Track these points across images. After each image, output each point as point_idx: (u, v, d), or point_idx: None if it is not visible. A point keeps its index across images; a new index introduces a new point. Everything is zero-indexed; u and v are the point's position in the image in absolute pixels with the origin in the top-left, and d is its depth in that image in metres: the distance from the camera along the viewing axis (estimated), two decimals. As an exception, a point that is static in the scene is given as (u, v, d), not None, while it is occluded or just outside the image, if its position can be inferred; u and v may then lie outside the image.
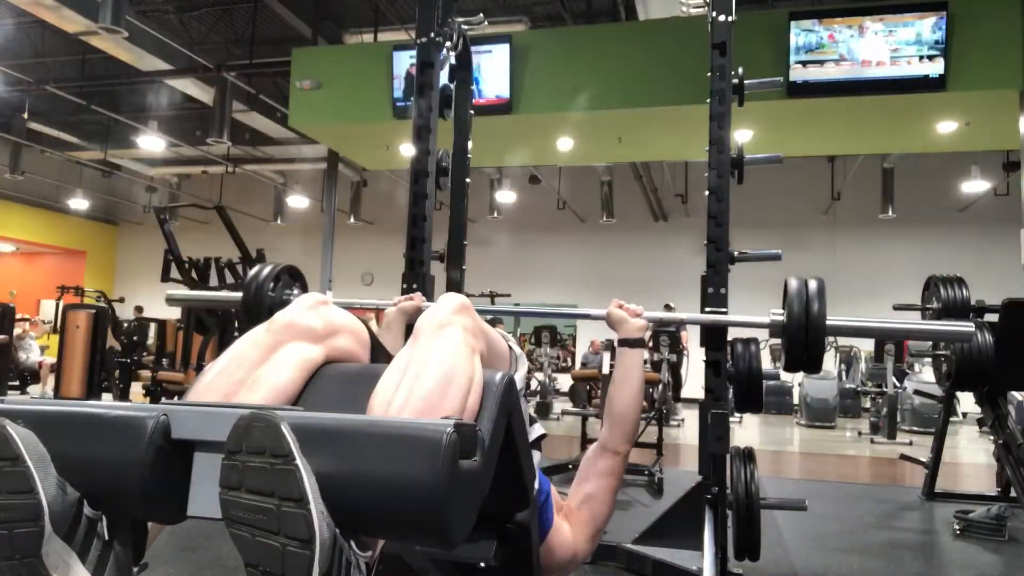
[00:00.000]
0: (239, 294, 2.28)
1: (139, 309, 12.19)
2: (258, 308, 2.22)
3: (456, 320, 1.19)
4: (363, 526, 0.85)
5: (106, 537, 0.88)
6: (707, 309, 2.32)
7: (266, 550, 0.78)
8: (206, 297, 2.52)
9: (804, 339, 1.99)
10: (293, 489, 0.78)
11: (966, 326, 1.97)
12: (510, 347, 1.47)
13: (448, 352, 1.13)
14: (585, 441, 5.28)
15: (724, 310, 2.32)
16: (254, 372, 1.19)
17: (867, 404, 9.56)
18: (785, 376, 11.32)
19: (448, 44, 2.69)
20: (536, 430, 1.53)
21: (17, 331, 8.47)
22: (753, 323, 2.10)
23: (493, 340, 1.35)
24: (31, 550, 0.80)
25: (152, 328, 8.10)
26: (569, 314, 2.23)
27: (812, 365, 2.03)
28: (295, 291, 2.32)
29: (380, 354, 1.46)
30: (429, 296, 2.51)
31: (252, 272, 2.28)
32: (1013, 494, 3.71)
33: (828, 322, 1.98)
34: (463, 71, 2.95)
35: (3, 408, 0.91)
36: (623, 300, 2.03)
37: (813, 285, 2.01)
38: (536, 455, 1.50)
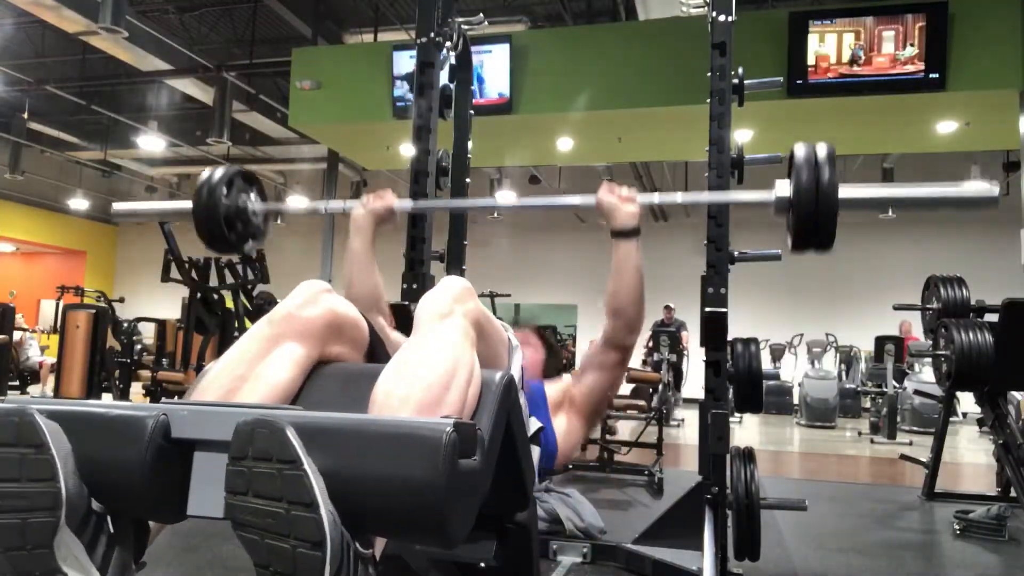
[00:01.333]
0: (189, 203, 2.00)
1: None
2: (210, 215, 1.95)
3: (457, 309, 1.19)
4: (363, 525, 0.85)
5: (112, 533, 0.88)
6: (707, 309, 2.32)
7: (277, 552, 0.78)
8: (156, 209, 2.31)
9: (814, 212, 1.72)
10: (303, 494, 0.78)
11: (989, 189, 1.73)
12: (509, 338, 1.47)
13: (449, 345, 1.12)
14: (586, 441, 5.28)
15: (723, 309, 2.32)
16: (255, 367, 1.19)
17: (867, 404, 9.55)
18: (785, 376, 11.32)
19: (448, 44, 2.69)
20: (533, 423, 1.54)
21: (16, 337, 8.47)
22: (756, 201, 1.88)
23: (492, 326, 1.35)
24: (44, 541, 0.80)
25: (152, 328, 8.11)
26: (552, 205, 2.07)
27: (823, 243, 1.78)
28: (252, 197, 2.07)
29: (380, 347, 1.46)
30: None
31: (202, 177, 1.99)
32: (1013, 494, 3.71)
33: (841, 193, 1.73)
34: (463, 71, 2.95)
35: (2, 407, 0.91)
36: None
37: (823, 151, 1.75)
38: (535, 450, 1.50)
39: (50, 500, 0.81)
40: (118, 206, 2.30)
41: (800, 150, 1.75)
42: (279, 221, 15.60)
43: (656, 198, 1.93)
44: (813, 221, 1.73)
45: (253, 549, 0.80)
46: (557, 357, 2.10)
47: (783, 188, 1.77)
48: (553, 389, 1.92)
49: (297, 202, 15.05)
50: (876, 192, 1.90)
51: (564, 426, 1.85)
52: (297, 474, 0.78)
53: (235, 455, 0.81)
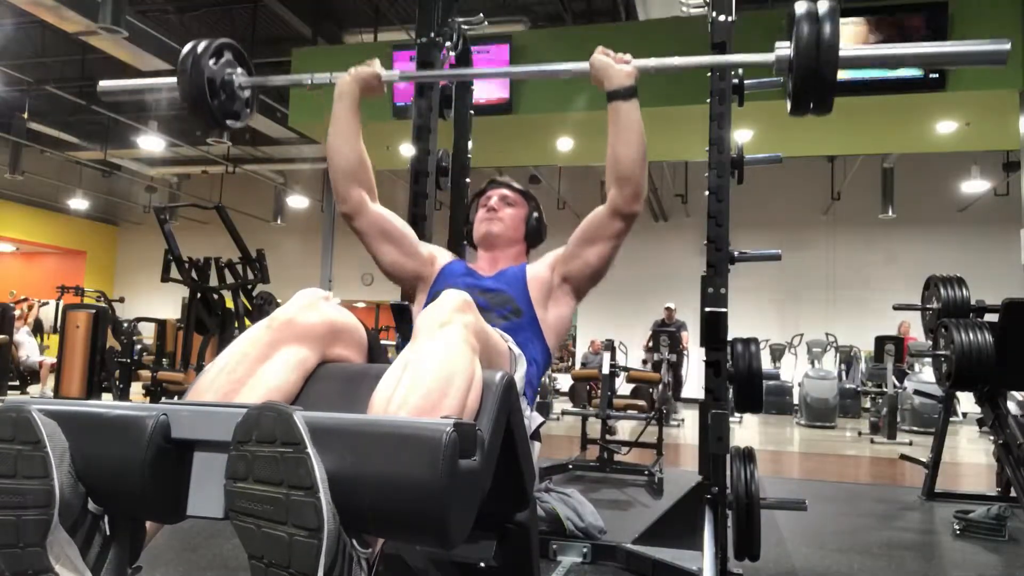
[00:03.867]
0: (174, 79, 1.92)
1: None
2: (195, 87, 1.89)
3: (457, 318, 1.19)
4: (363, 524, 0.85)
5: (107, 534, 0.88)
6: (707, 309, 2.32)
7: (272, 541, 0.78)
8: (140, 85, 2.23)
9: (815, 69, 1.63)
10: (304, 477, 0.78)
11: (999, 45, 1.62)
12: (509, 347, 1.47)
13: (448, 351, 1.13)
14: (585, 441, 5.28)
15: (723, 309, 2.32)
16: (254, 371, 1.20)
17: (867, 404, 9.55)
18: (785, 376, 11.32)
19: (448, 44, 2.69)
20: (535, 419, 1.54)
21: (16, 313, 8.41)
22: (756, 62, 1.81)
23: (493, 339, 1.35)
24: (37, 538, 0.80)
25: (151, 327, 8.10)
26: (544, 71, 1.98)
27: (821, 100, 1.71)
28: (238, 71, 2.00)
29: (378, 354, 1.47)
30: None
31: (186, 48, 1.91)
32: (1013, 494, 3.71)
33: (842, 52, 1.64)
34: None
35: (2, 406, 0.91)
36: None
37: (824, 6, 1.65)
38: (535, 446, 1.51)
39: (44, 498, 0.81)
40: (105, 84, 2.19)
41: (801, 6, 1.67)
42: (279, 220, 15.61)
43: (652, 63, 1.84)
44: (813, 80, 1.65)
45: (248, 539, 0.79)
46: (540, 220, 2.06)
47: (783, 47, 1.71)
48: (538, 272, 1.87)
49: (298, 202, 15.02)
50: (879, 51, 1.83)
51: (555, 316, 1.84)
52: (300, 456, 0.78)
53: (239, 439, 0.81)
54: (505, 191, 2.03)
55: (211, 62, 1.92)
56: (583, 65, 1.83)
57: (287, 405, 0.82)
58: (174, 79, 1.97)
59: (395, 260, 1.96)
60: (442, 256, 2.01)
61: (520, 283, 1.85)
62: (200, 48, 1.91)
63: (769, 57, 1.74)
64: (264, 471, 0.79)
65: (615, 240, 1.84)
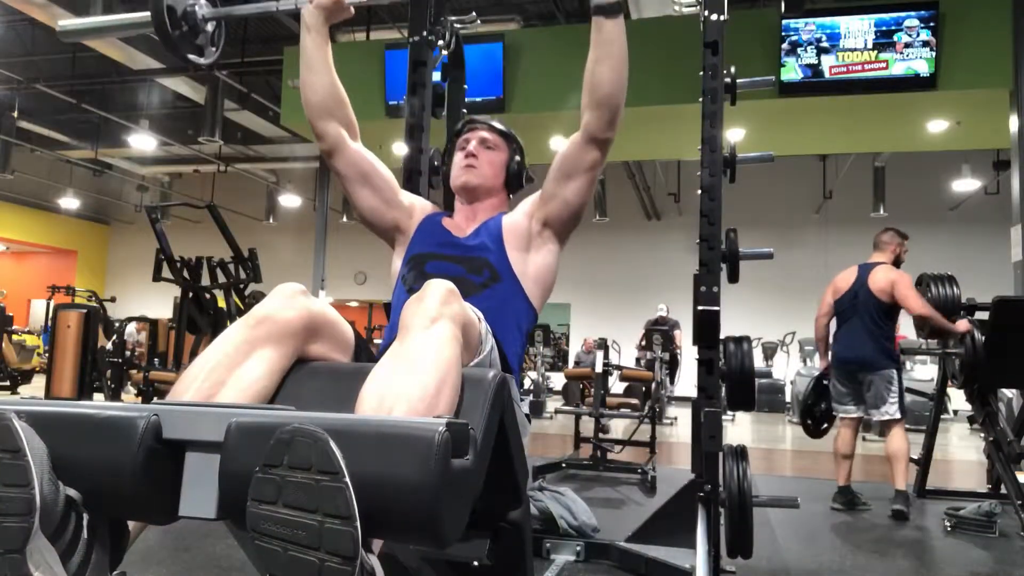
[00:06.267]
0: (147, 13, 1.82)
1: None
2: (160, 12, 1.79)
3: (445, 312, 1.19)
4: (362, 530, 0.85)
5: (84, 538, 0.87)
6: (699, 307, 2.32)
7: (299, 565, 0.77)
8: (110, 22, 2.11)
9: None
10: (342, 507, 0.77)
11: None
12: (479, 319, 1.45)
13: (440, 351, 1.13)
14: (578, 439, 5.29)
15: (716, 308, 2.32)
16: (233, 371, 1.19)
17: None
18: (777, 374, 11.36)
19: (441, 43, 2.68)
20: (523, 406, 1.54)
21: None
22: None
23: (472, 326, 1.35)
24: (17, 545, 0.80)
25: (134, 326, 8.06)
26: None
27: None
28: (202, 1, 1.90)
29: (364, 353, 1.46)
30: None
31: None
32: (1003, 491, 3.74)
33: None
34: (456, 70, 2.94)
35: (-7, 408, 0.90)
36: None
37: None
38: (526, 429, 1.50)
39: (24, 506, 0.80)
40: (64, 24, 2.03)
41: None
42: (271, 220, 15.56)
43: None
44: None
45: (271, 560, 0.78)
46: (521, 163, 1.96)
47: None
48: (515, 223, 1.80)
49: (291, 201, 14.95)
50: None
51: (537, 266, 1.77)
52: (338, 486, 0.77)
53: (268, 462, 0.80)
54: (484, 133, 1.92)
55: None
56: None
57: (321, 431, 0.80)
58: (132, 15, 1.89)
59: (374, 206, 1.87)
60: (422, 207, 1.94)
61: (497, 239, 1.77)
62: None
63: None
64: (296, 497, 0.78)
65: (591, 172, 1.75)
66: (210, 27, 1.97)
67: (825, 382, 4.21)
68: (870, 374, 3.96)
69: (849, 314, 4.05)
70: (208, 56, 1.97)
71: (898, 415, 3.93)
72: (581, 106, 1.73)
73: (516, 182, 1.95)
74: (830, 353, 4.19)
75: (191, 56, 1.91)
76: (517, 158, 1.95)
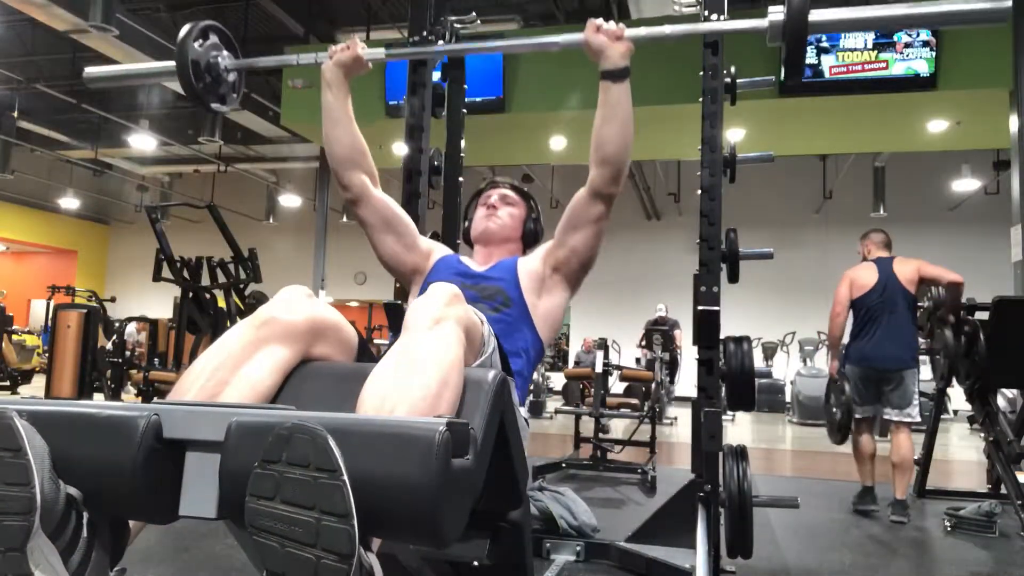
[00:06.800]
0: (171, 63, 1.93)
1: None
2: (185, 66, 1.89)
3: (450, 313, 1.20)
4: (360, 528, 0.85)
5: (85, 536, 0.87)
6: (699, 307, 2.32)
7: (297, 561, 0.77)
8: (135, 70, 2.21)
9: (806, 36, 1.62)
10: (339, 504, 0.77)
11: (999, 3, 1.55)
12: (482, 321, 1.46)
13: (444, 352, 1.13)
14: (578, 439, 5.29)
15: (716, 308, 2.32)
16: (237, 371, 1.19)
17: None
18: (777, 374, 11.36)
19: (441, 43, 2.68)
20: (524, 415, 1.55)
21: None
22: (748, 28, 1.76)
23: (476, 328, 1.36)
24: (17, 544, 0.80)
25: (134, 326, 8.06)
26: (538, 44, 1.95)
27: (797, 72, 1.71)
28: (224, 53, 2.01)
29: (366, 355, 1.46)
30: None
31: (182, 32, 1.92)
32: (1003, 491, 3.73)
33: (835, 15, 1.61)
34: (455, 70, 2.94)
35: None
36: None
37: None
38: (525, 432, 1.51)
39: (25, 505, 0.80)
40: (90, 71, 2.13)
41: None
42: (271, 219, 15.57)
43: (643, 31, 1.82)
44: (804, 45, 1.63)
45: (269, 555, 0.78)
46: (537, 221, 2.08)
47: (776, 11, 1.66)
48: (530, 265, 1.88)
49: (291, 201, 14.97)
50: (873, 12, 1.71)
51: (547, 307, 1.84)
52: (335, 483, 0.77)
53: (267, 458, 0.80)
54: (505, 191, 2.05)
55: (196, 44, 1.91)
56: (577, 37, 1.79)
57: (320, 427, 0.80)
58: (156, 64, 2.00)
59: (396, 252, 1.97)
60: (439, 250, 2.03)
61: (511, 273, 1.85)
62: (184, 31, 1.90)
63: (762, 23, 1.70)
64: (294, 493, 0.78)
65: (597, 224, 1.84)
66: (232, 76, 2.01)
67: (838, 383, 4.02)
68: (903, 371, 3.85)
69: (878, 311, 3.90)
70: (230, 103, 2.06)
71: (918, 417, 3.87)
72: (589, 160, 1.82)
73: (532, 238, 2.06)
74: (847, 353, 4.02)
75: (213, 104, 1.97)
76: (534, 216, 2.08)
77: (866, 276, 4.00)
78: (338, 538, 0.76)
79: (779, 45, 1.69)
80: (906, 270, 3.93)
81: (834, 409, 4.02)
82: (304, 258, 11.99)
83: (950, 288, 3.89)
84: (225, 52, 2.01)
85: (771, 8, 1.67)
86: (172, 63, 1.91)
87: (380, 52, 1.98)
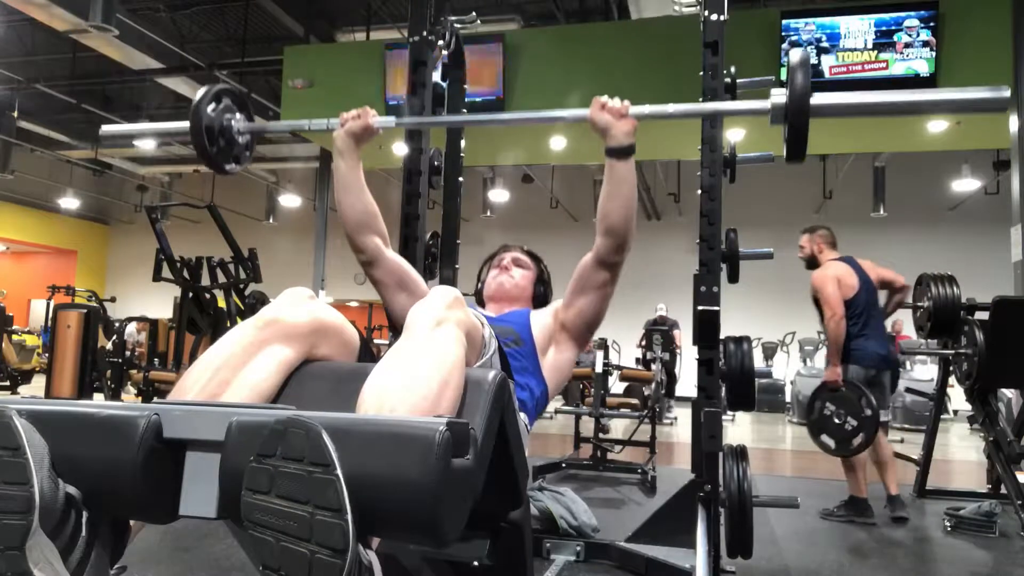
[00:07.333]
0: (185, 123, 1.96)
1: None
2: (199, 131, 1.92)
3: (451, 316, 1.20)
4: (356, 525, 0.85)
5: (84, 535, 0.87)
6: (699, 307, 2.32)
7: (292, 556, 0.77)
8: (148, 129, 2.26)
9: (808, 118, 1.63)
10: (332, 499, 0.77)
11: (999, 92, 1.57)
12: (482, 324, 1.47)
13: (444, 352, 1.13)
14: (578, 439, 5.29)
15: (716, 308, 2.32)
16: (239, 371, 1.20)
17: (859, 402, 9.58)
18: (777, 374, 11.35)
19: (441, 43, 2.68)
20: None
21: None
22: (752, 109, 1.79)
23: (476, 331, 1.36)
24: (16, 542, 0.80)
25: (134, 326, 8.06)
26: (542, 118, 1.93)
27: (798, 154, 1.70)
28: (237, 116, 2.03)
29: (367, 356, 1.46)
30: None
31: (196, 97, 1.95)
32: (1003, 491, 3.73)
33: (834, 100, 1.65)
34: (456, 69, 2.94)
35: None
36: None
37: (796, 57, 1.63)
38: (522, 417, 1.52)
39: (24, 503, 0.80)
40: (107, 129, 2.19)
41: (796, 54, 1.64)
42: (271, 220, 15.57)
43: (647, 109, 1.83)
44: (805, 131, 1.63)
45: (264, 550, 0.79)
46: (547, 284, 2.18)
47: (778, 94, 1.67)
48: (541, 318, 1.94)
49: (291, 201, 14.98)
50: (874, 98, 1.76)
51: (555, 358, 1.89)
52: (328, 478, 0.78)
53: (262, 452, 0.81)
54: (517, 254, 2.17)
55: (209, 109, 1.94)
56: (582, 112, 1.82)
57: (314, 422, 0.81)
58: (170, 125, 2.04)
59: (408, 308, 2.01)
60: None
61: (524, 318, 1.91)
62: (198, 96, 1.94)
63: (765, 104, 1.71)
64: (288, 487, 0.79)
65: (603, 290, 1.90)
66: (245, 139, 2.05)
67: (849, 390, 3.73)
68: (887, 372, 3.86)
69: (870, 310, 3.89)
70: (244, 163, 2.14)
71: (889, 416, 3.92)
72: (597, 231, 1.87)
73: (541, 300, 2.14)
74: (852, 355, 3.81)
75: (227, 167, 2.03)
76: (545, 278, 2.19)
77: (849, 276, 3.96)
78: (332, 533, 0.76)
79: (781, 126, 1.68)
80: (870, 270, 3.98)
81: (846, 419, 3.67)
82: (304, 258, 11.99)
83: (904, 290, 3.97)
84: (238, 115, 2.04)
85: (773, 91, 1.68)
86: (186, 125, 1.95)
87: (390, 120, 2.03)
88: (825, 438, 3.70)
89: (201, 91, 1.94)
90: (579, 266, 1.91)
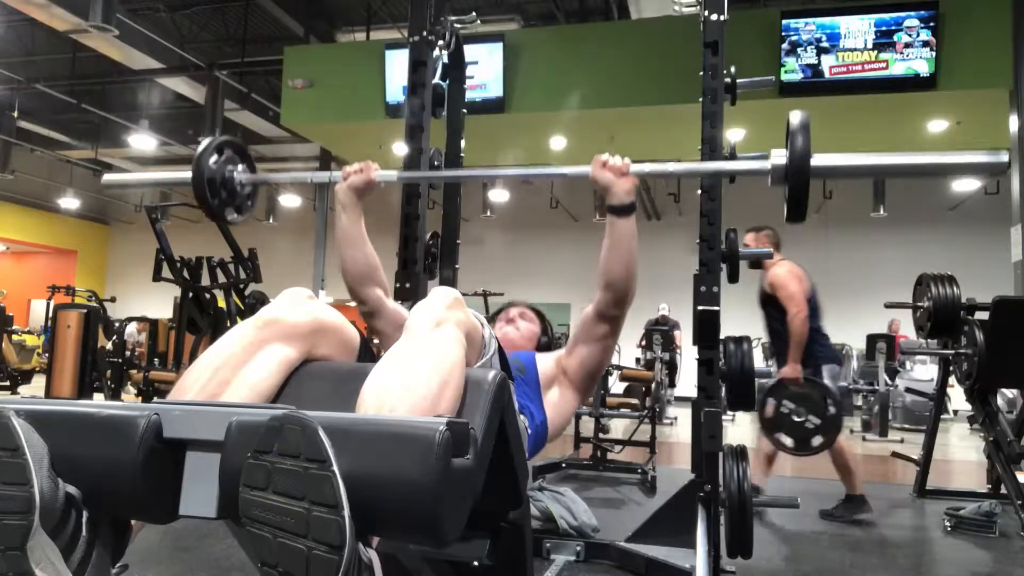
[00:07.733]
0: (187, 174, 1.99)
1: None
2: (201, 183, 1.94)
3: (450, 316, 1.21)
4: (356, 523, 0.85)
5: (85, 534, 0.87)
6: (699, 307, 2.32)
7: (289, 552, 0.77)
8: (150, 180, 2.30)
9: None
10: (328, 495, 0.77)
11: (998, 157, 1.60)
12: (482, 324, 1.47)
13: (444, 352, 1.13)
14: (578, 439, 5.29)
15: (716, 308, 2.32)
16: (239, 371, 1.20)
17: (859, 402, 9.59)
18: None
19: (441, 43, 2.68)
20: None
21: None
22: (752, 170, 1.82)
23: (476, 332, 1.37)
24: (17, 542, 0.80)
25: (134, 326, 8.06)
26: (549, 174, 2.32)
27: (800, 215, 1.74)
28: (239, 167, 2.06)
29: (367, 356, 1.46)
30: (421, 293, 2.51)
31: (199, 149, 1.99)
32: (1003, 491, 3.74)
33: (837, 162, 1.66)
34: (456, 70, 2.94)
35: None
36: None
37: (797, 119, 1.65)
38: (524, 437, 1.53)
39: (24, 504, 0.80)
40: (109, 178, 2.24)
41: (796, 116, 1.68)
42: (271, 220, 15.58)
43: (647, 168, 1.86)
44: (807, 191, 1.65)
45: (262, 546, 0.79)
46: (550, 336, 2.25)
47: (779, 155, 1.69)
48: (545, 360, 1.97)
49: (291, 201, 15.00)
50: (877, 160, 1.77)
51: (557, 398, 1.90)
52: (324, 474, 0.78)
53: (259, 448, 0.81)
54: (524, 309, 2.25)
55: (211, 161, 1.96)
56: (584, 170, 1.84)
57: (310, 418, 0.81)
58: (172, 174, 2.08)
59: None
60: None
61: (529, 357, 1.95)
62: (200, 148, 1.97)
63: (765, 164, 1.72)
64: (285, 484, 0.79)
65: (603, 342, 1.91)
66: (247, 189, 2.06)
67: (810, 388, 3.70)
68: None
69: (819, 311, 4.02)
70: (245, 212, 2.17)
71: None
72: (598, 284, 1.89)
73: (544, 350, 2.17)
74: (823, 353, 3.94)
75: (230, 217, 2.06)
76: (549, 332, 2.26)
77: (805, 275, 4.05)
78: (328, 529, 0.76)
79: (782, 187, 1.69)
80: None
81: (807, 417, 3.58)
82: (304, 258, 12.00)
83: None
84: (240, 166, 2.06)
85: (774, 151, 1.70)
86: (188, 175, 1.96)
87: (392, 175, 2.05)
88: (782, 436, 3.60)
89: (204, 143, 1.98)
90: (581, 317, 1.95)
